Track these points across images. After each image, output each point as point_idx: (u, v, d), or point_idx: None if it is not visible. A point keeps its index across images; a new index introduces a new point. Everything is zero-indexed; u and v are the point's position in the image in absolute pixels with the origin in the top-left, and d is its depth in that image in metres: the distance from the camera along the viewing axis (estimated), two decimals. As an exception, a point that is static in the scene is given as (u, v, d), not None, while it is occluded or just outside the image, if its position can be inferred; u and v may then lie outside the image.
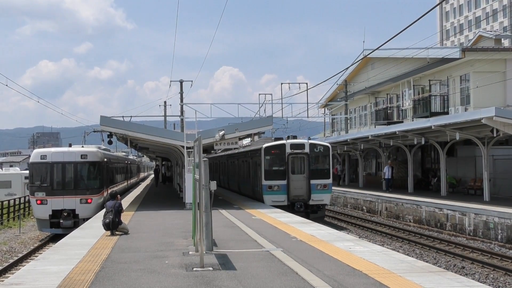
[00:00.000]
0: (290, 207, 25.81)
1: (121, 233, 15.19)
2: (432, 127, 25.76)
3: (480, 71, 33.74)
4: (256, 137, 32.97)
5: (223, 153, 41.95)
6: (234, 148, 31.00)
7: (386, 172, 34.16)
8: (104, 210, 16.07)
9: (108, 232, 15.07)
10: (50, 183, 25.16)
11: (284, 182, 26.51)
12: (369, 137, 33.17)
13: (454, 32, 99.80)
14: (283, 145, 26.99)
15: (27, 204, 35.66)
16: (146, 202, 28.28)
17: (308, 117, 44.42)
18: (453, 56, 34.45)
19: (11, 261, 19.42)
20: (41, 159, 25.36)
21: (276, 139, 29.91)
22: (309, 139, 29.59)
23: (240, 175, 34.54)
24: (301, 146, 26.99)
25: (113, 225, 14.95)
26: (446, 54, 35.44)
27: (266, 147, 27.20)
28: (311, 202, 26.49)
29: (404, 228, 25.75)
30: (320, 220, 24.66)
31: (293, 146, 26.91)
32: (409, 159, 33.49)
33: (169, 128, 57.05)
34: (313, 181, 26.49)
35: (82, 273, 9.82)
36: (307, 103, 42.77)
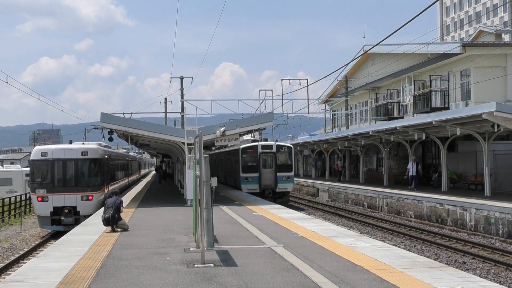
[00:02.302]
0: (261, 194, 32.32)
1: (121, 229, 15.21)
2: (433, 123, 25.73)
3: (480, 66, 33.70)
4: (241, 138, 35.06)
5: (214, 151, 45.39)
6: (224, 147, 36.45)
7: (410, 168, 31.90)
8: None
9: (109, 229, 15.08)
10: (51, 180, 25.15)
11: (256, 174, 33.53)
12: (370, 133, 33.15)
13: (455, 27, 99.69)
14: (256, 146, 34.06)
15: (28, 201, 35.69)
16: (147, 199, 28.30)
17: (308, 113, 44.63)
18: (454, 51, 34.41)
19: (13, 258, 19.44)
20: (42, 156, 25.34)
21: (253, 141, 36.30)
22: (276, 141, 37.16)
23: (226, 169, 41.23)
24: (270, 147, 34.23)
25: (112, 221, 14.92)
26: (447, 49, 35.39)
27: (243, 148, 34.05)
28: (277, 190, 33.52)
29: (405, 224, 25.76)
30: (285, 204, 29.86)
31: (263, 147, 34.08)
32: (409, 155, 33.47)
33: (170, 125, 57.11)
34: (279, 174, 33.52)
35: (83, 270, 9.83)
36: (308, 99, 42.92)
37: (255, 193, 31.46)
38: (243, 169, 33.78)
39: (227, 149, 38.77)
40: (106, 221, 14.96)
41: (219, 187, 34.14)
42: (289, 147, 35.04)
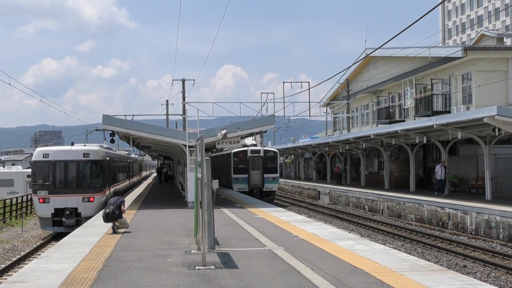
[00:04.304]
0: (250, 193, 36.48)
1: (123, 230, 15.27)
2: (434, 126, 25.76)
3: (482, 70, 33.73)
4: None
5: (210, 155, 46.69)
6: (220, 150, 39.32)
7: (438, 171, 29.24)
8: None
9: (111, 230, 15.13)
10: (53, 181, 25.18)
11: (246, 175, 37.96)
12: (371, 136, 33.17)
13: (456, 31, 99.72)
14: (246, 151, 38.46)
15: (29, 203, 35.74)
16: (148, 201, 28.33)
17: (310, 116, 44.54)
18: (455, 55, 34.45)
19: (14, 259, 19.46)
20: (43, 157, 25.39)
21: (244, 146, 39.72)
22: (264, 146, 42.48)
23: (220, 170, 44.99)
24: (258, 151, 38.84)
25: (112, 216, 15.00)
26: (448, 53, 35.44)
27: (234, 152, 38.26)
28: (264, 189, 38.01)
29: (406, 227, 25.76)
30: (271, 202, 33.54)
31: (252, 151, 38.60)
32: (411, 158, 33.48)
33: (171, 127, 57.13)
34: (266, 175, 37.99)
35: (84, 271, 9.86)
36: (309, 102, 42.91)
37: (244, 192, 35.62)
38: (234, 171, 38.32)
39: (221, 152, 42.55)
40: (106, 216, 15.07)
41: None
42: (274, 152, 39.82)
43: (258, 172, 38.00)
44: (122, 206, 15.36)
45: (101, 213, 21.35)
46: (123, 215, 15.43)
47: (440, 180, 29.18)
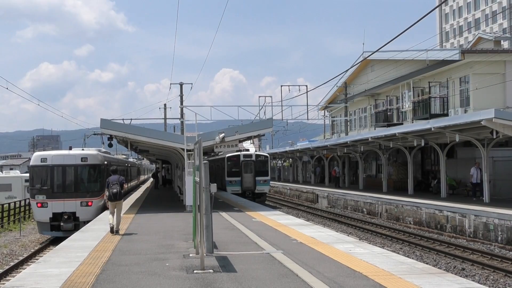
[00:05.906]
0: (243, 194, 38.52)
1: (120, 218, 15.84)
2: (432, 129, 25.78)
3: (479, 73, 33.78)
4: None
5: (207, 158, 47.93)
6: (217, 153, 40.88)
7: (474, 174, 27.38)
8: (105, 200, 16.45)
9: (109, 234, 15.18)
10: (51, 186, 25.18)
11: (239, 178, 40.23)
12: (369, 139, 33.19)
13: (454, 34, 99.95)
14: (239, 155, 40.56)
15: (27, 207, 35.69)
16: (147, 205, 28.30)
17: (308, 119, 44.70)
18: (453, 58, 34.50)
19: (12, 264, 19.44)
20: (41, 162, 25.38)
21: (238, 151, 40.52)
22: (256, 151, 45.17)
23: (215, 174, 46.32)
24: (250, 156, 41.12)
25: (119, 196, 15.53)
26: (446, 56, 35.49)
27: (228, 156, 40.63)
28: (256, 191, 40.19)
29: (404, 230, 25.76)
30: (262, 203, 35.11)
31: (245, 156, 40.81)
32: (409, 161, 33.51)
33: (169, 131, 57.14)
34: (257, 178, 40.27)
35: (83, 276, 9.85)
36: (307, 105, 43.04)
37: (237, 194, 38.08)
38: (228, 174, 40.55)
39: (216, 157, 45.00)
40: (114, 196, 15.51)
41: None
42: (266, 156, 42.32)
43: (250, 175, 40.25)
44: (124, 185, 16.14)
45: (99, 217, 21.40)
46: (122, 220, 15.76)
47: (477, 184, 27.37)
